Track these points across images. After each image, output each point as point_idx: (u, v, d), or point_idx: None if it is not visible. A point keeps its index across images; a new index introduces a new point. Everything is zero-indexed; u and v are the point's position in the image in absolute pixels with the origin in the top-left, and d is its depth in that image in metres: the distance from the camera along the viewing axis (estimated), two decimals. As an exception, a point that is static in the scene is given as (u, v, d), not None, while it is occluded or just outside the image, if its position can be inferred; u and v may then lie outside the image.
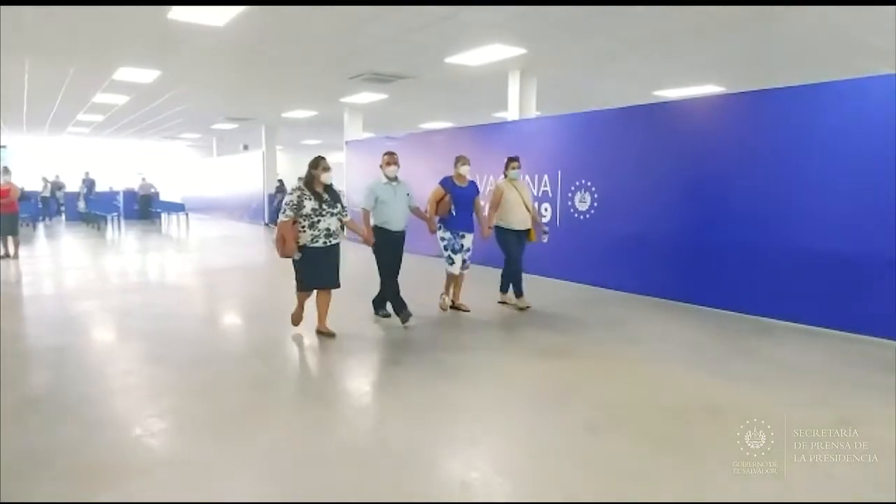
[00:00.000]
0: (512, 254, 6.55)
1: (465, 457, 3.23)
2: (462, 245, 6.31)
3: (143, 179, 21.70)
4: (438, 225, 6.26)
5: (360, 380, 4.67)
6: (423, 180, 11.50)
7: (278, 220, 5.13)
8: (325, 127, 17.90)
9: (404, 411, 3.83)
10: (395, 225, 5.86)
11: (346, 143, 14.58)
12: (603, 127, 8.03)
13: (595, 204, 8.01)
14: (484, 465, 3.14)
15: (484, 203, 6.98)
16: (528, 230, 6.59)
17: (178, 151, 27.88)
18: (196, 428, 3.50)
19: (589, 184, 8.08)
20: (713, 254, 6.65)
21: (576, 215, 8.26)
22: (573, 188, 8.32)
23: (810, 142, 5.86)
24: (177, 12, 6.50)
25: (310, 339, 5.38)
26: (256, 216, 18.85)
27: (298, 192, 5.11)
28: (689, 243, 6.87)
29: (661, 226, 7.18)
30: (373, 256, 5.95)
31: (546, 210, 8.61)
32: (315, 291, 5.36)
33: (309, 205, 5.07)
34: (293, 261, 5.16)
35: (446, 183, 6.27)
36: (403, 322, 5.78)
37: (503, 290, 6.83)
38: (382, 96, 12.40)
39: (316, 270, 5.18)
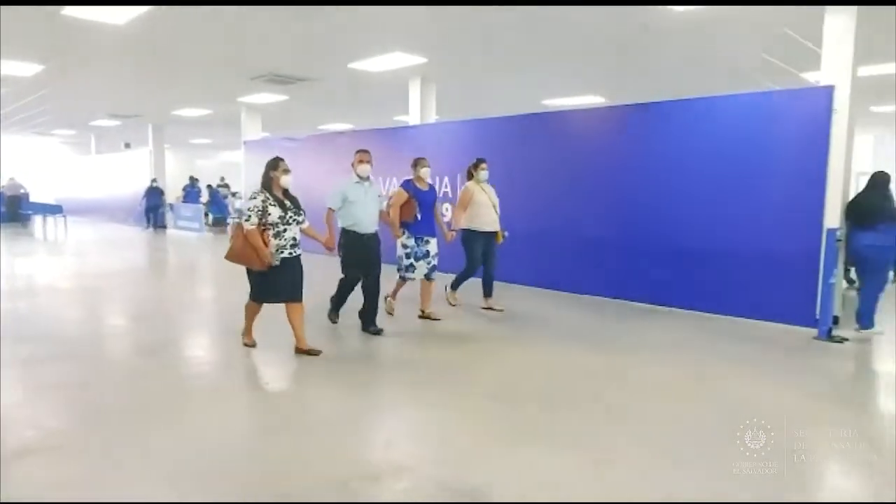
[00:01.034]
0: (475, 257, 6.54)
1: (389, 424, 3.62)
2: (427, 251, 6.08)
3: (12, 179, 19.93)
4: (402, 230, 6.01)
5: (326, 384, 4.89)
6: (324, 183, 11.69)
7: (243, 229, 4.62)
8: (220, 126, 17.45)
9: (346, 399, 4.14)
10: (365, 227, 5.56)
11: (245, 142, 14.37)
12: (500, 132, 8.67)
13: (493, 204, 8.64)
14: (403, 426, 3.55)
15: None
16: (496, 232, 6.62)
17: (50, 149, 25.75)
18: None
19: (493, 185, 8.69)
20: (601, 248, 7.48)
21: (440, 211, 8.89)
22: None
23: (682, 150, 6.80)
24: (72, 9, 6.32)
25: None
26: (141, 219, 17.95)
27: (262, 197, 4.68)
28: (579, 239, 7.65)
29: (555, 224, 7.93)
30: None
31: (447, 210, 9.13)
32: (269, 307, 4.95)
33: (275, 212, 4.67)
34: (252, 272, 4.76)
35: (409, 186, 6.03)
36: (374, 333, 5.57)
37: (454, 287, 6.90)
38: (283, 97, 12.40)
39: (281, 282, 4.77)
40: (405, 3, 6.11)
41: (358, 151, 5.68)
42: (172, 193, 19.56)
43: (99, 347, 5.47)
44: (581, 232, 7.65)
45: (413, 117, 10.56)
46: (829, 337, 5.65)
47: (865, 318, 5.94)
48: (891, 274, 8.17)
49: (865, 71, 8.82)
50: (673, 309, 6.75)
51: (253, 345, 5.09)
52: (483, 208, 6.51)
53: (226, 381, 4.60)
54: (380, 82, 10.27)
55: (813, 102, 5.91)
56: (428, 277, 6.17)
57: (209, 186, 20.44)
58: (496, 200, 6.66)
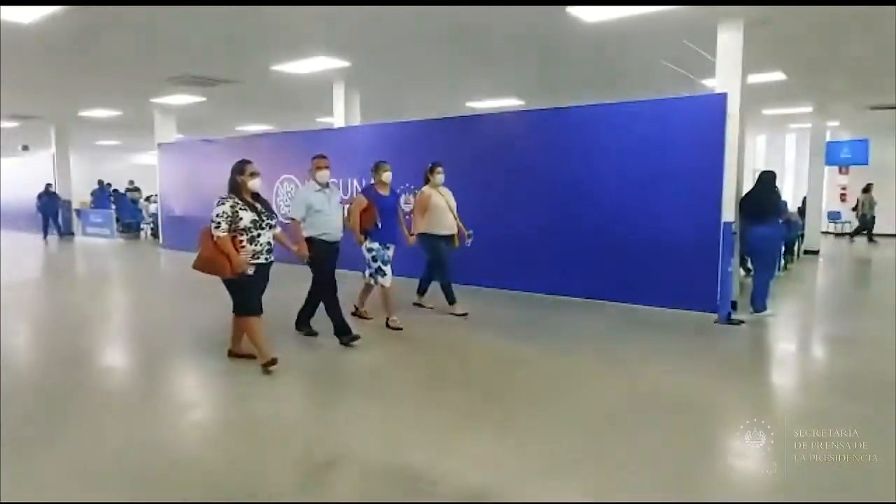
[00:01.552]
0: (442, 260, 6.54)
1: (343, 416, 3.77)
2: (389, 257, 6.01)
3: None
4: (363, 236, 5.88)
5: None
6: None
7: (213, 237, 4.39)
8: (131, 127, 16.68)
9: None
10: (334, 235, 5.42)
11: (159, 145, 13.85)
12: (423, 134, 8.91)
13: (415, 204, 8.87)
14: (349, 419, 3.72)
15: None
16: (454, 235, 6.58)
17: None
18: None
19: (412, 187, 8.88)
20: (527, 246, 7.84)
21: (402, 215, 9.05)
22: (398, 191, 9.05)
23: (597, 151, 7.29)
24: (-28, 7, 5.99)
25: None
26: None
27: (231, 202, 4.46)
28: (500, 237, 7.98)
29: (477, 222, 8.19)
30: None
31: (409, 202, 9.22)
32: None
33: (247, 216, 4.48)
34: (232, 282, 4.52)
35: (369, 192, 5.92)
36: (350, 342, 5.35)
37: (421, 292, 6.92)
38: (200, 98, 12.07)
39: (259, 290, 4.65)
40: (325, 3, 6.14)
41: (316, 157, 5.49)
42: (77, 198, 18.51)
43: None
44: (506, 231, 7.99)
45: (337, 120, 10.60)
46: (729, 320, 6.26)
47: (759, 302, 6.60)
48: (782, 262, 9.05)
49: (755, 79, 9.73)
50: (593, 301, 7.20)
51: (274, 362, 4.62)
52: (441, 212, 6.48)
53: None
54: (303, 85, 10.24)
55: (709, 108, 6.51)
56: (375, 281, 6.07)
57: (115, 191, 19.52)
58: (453, 203, 6.66)
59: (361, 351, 5.32)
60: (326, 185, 5.49)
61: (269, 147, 11.67)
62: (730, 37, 6.51)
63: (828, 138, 16.82)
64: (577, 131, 7.51)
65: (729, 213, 6.45)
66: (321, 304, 5.55)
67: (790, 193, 17.95)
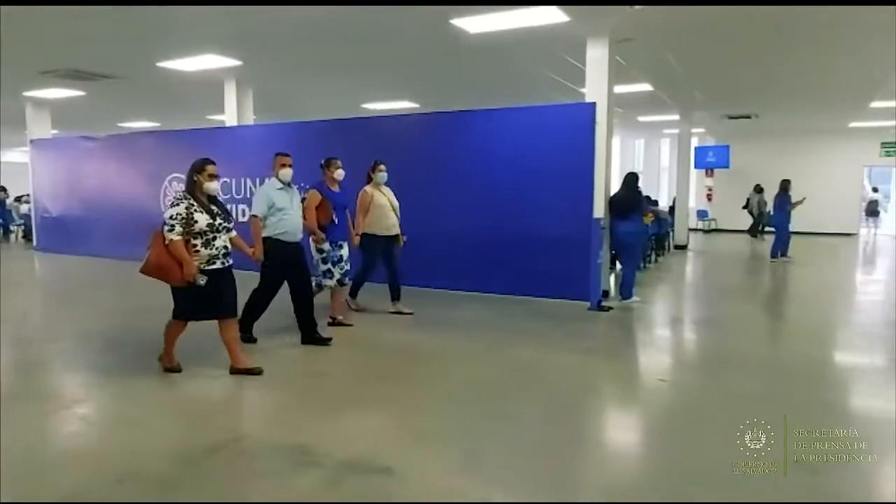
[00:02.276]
0: (373, 261, 6.49)
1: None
2: (340, 256, 5.95)
3: None
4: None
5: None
6: (131, 188, 11.09)
7: (165, 240, 4.16)
8: (-3, 122, 15.38)
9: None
10: (294, 235, 5.29)
11: (32, 142, 12.93)
12: (318, 135, 9.02)
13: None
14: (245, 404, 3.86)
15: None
16: (398, 235, 6.53)
17: None
18: None
19: (307, 186, 8.97)
20: (414, 243, 8.14)
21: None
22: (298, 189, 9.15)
23: (484, 153, 7.77)
24: None
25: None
26: None
27: (186, 204, 4.24)
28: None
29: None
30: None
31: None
32: (190, 324, 4.51)
33: (203, 219, 4.26)
34: (180, 288, 4.29)
35: (322, 188, 5.82)
36: (326, 343, 5.31)
37: (353, 294, 6.74)
38: (79, 93, 11.42)
39: (214, 296, 4.35)
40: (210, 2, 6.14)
41: (279, 154, 5.33)
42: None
43: None
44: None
45: (229, 118, 10.45)
46: (599, 307, 6.91)
47: (626, 291, 7.34)
48: (654, 255, 9.95)
49: (626, 89, 10.65)
50: (485, 294, 7.63)
51: (178, 369, 4.57)
52: (383, 211, 6.40)
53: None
54: (192, 82, 10.01)
55: (580, 115, 7.14)
56: (340, 283, 6.04)
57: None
58: (396, 203, 6.59)
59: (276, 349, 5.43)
60: (289, 184, 5.37)
61: (157, 145, 11.30)
62: (597, 52, 7.17)
63: (696, 143, 18.60)
64: (467, 134, 7.98)
65: (599, 210, 7.10)
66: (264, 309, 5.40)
67: (665, 194, 19.61)
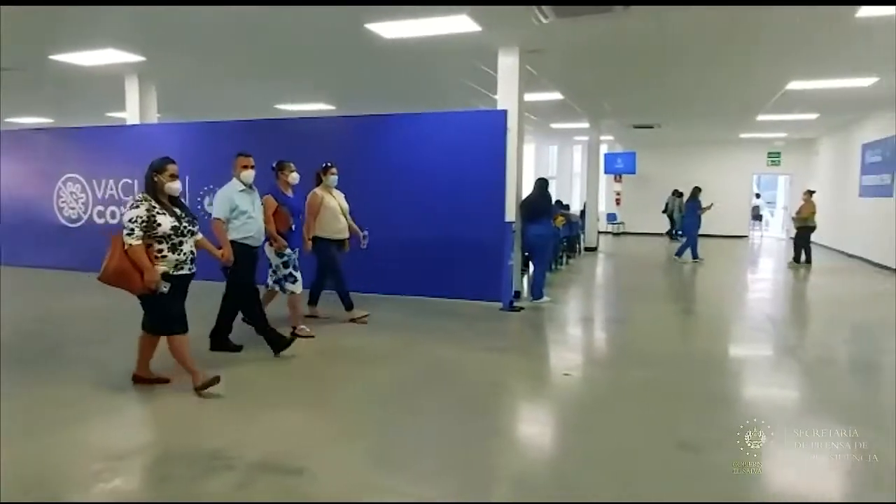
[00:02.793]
0: (336, 266, 6.26)
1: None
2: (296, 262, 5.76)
3: None
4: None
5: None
6: (23, 189, 10.32)
7: (123, 244, 3.89)
8: None
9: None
10: (257, 239, 5.13)
11: None
12: (227, 136, 8.77)
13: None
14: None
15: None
16: (345, 240, 6.32)
17: None
18: None
19: (213, 188, 8.71)
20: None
21: (206, 217, 8.81)
22: (202, 192, 8.85)
23: (401, 157, 7.82)
24: None
25: None
26: None
27: (147, 205, 3.97)
28: None
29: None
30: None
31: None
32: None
33: (166, 222, 4.00)
34: (147, 297, 4.02)
35: (276, 193, 5.59)
36: (283, 348, 5.04)
37: (313, 301, 6.53)
38: (-41, 85, 10.49)
39: (181, 305, 4.15)
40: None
41: (241, 155, 5.12)
42: None
43: None
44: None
45: (131, 116, 9.94)
46: (511, 307, 7.15)
47: (537, 291, 7.63)
48: (565, 257, 10.35)
49: (538, 97, 11.04)
50: (397, 296, 7.70)
51: (164, 379, 4.33)
52: (334, 214, 6.20)
53: None
54: (90, 77, 9.45)
55: (493, 122, 7.37)
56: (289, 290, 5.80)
57: None
58: (346, 206, 6.40)
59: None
60: (250, 186, 5.17)
61: (50, 143, 10.59)
62: (508, 61, 7.43)
63: (605, 150, 19.52)
64: (383, 139, 8.03)
65: (511, 214, 7.35)
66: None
67: (577, 198, 20.44)
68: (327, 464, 3.17)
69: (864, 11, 5.89)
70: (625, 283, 11.00)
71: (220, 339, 5.23)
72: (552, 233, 8.42)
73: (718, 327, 6.96)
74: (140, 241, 3.91)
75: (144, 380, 4.36)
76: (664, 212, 19.18)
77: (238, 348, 5.20)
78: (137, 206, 3.97)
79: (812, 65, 8.53)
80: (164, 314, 4.08)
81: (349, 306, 6.42)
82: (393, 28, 6.77)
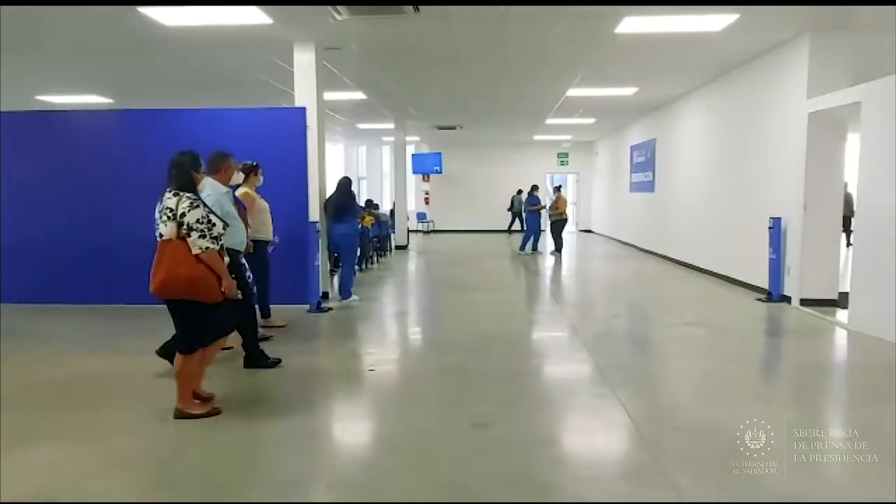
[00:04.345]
0: (268, 269, 5.89)
1: None
2: None
3: None
4: None
5: None
6: None
7: (201, 250, 3.46)
8: None
9: None
10: (244, 245, 4.81)
11: None
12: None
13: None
14: None
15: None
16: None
17: None
18: None
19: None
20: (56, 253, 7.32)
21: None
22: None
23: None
24: None
25: None
26: None
27: (201, 203, 3.59)
28: (23, 243, 7.41)
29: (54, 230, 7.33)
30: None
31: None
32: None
33: (219, 223, 3.63)
34: (200, 308, 3.55)
35: (238, 200, 5.10)
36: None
37: (267, 314, 6.10)
38: None
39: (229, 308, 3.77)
40: None
41: (227, 154, 4.57)
42: None
43: None
44: (33, 237, 7.37)
45: None
46: (319, 308, 7.02)
47: (345, 291, 7.59)
48: (376, 255, 10.40)
49: (341, 96, 11.00)
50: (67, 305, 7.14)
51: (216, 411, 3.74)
52: (267, 216, 5.92)
53: None
54: None
55: (291, 119, 7.16)
56: None
57: None
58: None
59: None
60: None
61: None
62: (305, 57, 7.27)
63: (413, 151, 20.10)
64: (163, 135, 7.26)
65: (315, 214, 7.20)
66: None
67: (387, 198, 20.78)
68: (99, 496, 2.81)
69: (623, 28, 6.75)
70: (433, 278, 11.41)
71: (257, 355, 4.83)
72: (358, 231, 8.43)
73: (514, 311, 7.52)
74: (214, 244, 3.54)
75: (195, 410, 3.73)
76: (510, 209, 20.31)
77: (277, 361, 4.85)
78: (196, 207, 3.53)
79: (584, 75, 9.59)
80: (201, 329, 3.64)
81: (266, 314, 6.16)
82: (172, 14, 6.25)
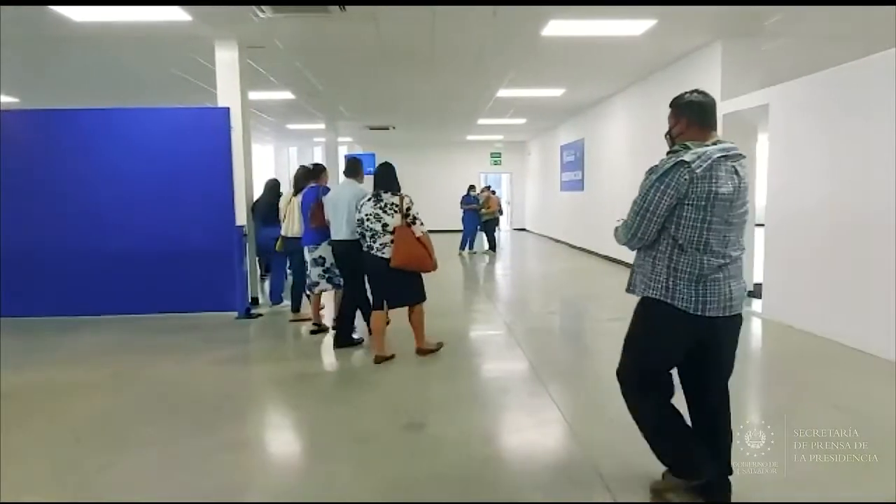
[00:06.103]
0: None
1: None
2: None
3: None
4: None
5: None
6: None
7: (423, 234, 4.83)
8: None
9: None
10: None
11: None
12: None
13: None
14: None
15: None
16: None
17: None
18: None
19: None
20: (20, 264, 6.81)
21: None
22: None
23: (104, 158, 6.83)
24: None
25: None
26: None
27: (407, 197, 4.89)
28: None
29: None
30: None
31: None
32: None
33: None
34: (415, 277, 4.97)
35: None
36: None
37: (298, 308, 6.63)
38: None
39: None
40: None
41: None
42: None
43: None
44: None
45: None
46: (248, 314, 6.81)
47: (275, 296, 7.40)
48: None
49: (267, 96, 10.74)
50: (115, 316, 6.78)
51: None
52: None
53: None
54: None
55: (214, 120, 6.90)
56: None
57: None
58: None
59: None
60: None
61: None
62: (226, 56, 7.04)
63: (346, 151, 19.84)
64: (86, 136, 6.89)
65: (242, 218, 6.97)
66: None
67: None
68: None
69: (549, 31, 6.89)
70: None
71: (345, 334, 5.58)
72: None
73: (449, 310, 7.52)
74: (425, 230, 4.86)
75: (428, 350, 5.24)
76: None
77: (361, 340, 5.65)
78: (413, 203, 4.80)
79: (514, 76, 9.73)
80: (420, 287, 5.03)
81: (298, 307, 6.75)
82: (82, 11, 5.92)
